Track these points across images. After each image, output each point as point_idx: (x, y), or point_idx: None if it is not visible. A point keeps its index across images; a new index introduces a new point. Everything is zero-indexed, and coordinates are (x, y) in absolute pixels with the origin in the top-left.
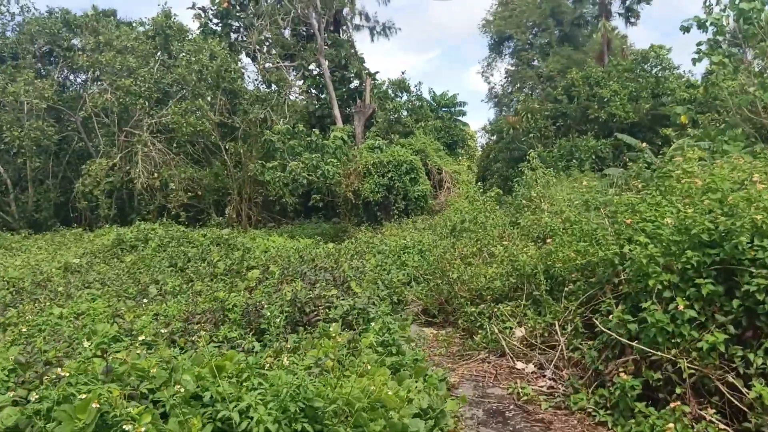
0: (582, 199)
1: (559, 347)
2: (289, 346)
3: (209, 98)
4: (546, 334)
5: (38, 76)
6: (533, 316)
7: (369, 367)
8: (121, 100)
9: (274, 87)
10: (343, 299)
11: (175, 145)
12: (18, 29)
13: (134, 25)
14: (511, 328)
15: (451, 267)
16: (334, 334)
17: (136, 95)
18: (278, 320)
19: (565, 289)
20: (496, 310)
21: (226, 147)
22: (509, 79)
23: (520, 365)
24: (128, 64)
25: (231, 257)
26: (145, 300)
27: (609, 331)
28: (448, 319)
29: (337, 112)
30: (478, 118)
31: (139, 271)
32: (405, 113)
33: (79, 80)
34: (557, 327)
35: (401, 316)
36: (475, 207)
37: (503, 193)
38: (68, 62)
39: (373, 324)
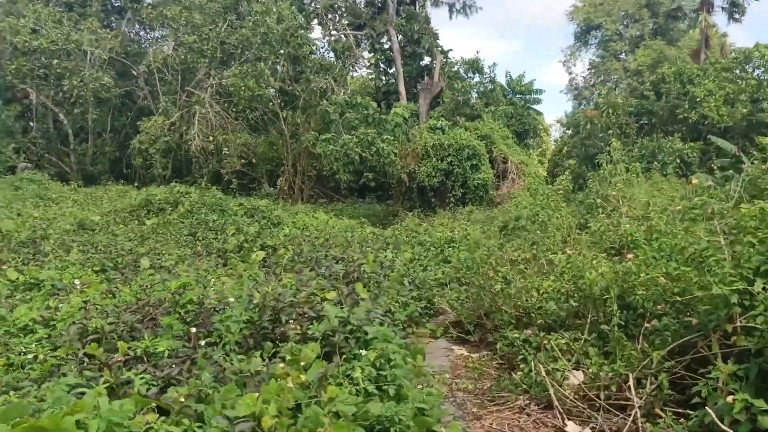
0: (687, 204)
1: (633, 412)
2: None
3: (271, 63)
4: (613, 388)
5: (104, 26)
6: (597, 359)
7: None
8: (182, 57)
9: (338, 57)
10: (341, 306)
11: (233, 109)
12: None
13: None
14: (564, 371)
15: (495, 274)
16: (286, 372)
17: (198, 53)
18: (233, 330)
19: (647, 325)
20: (546, 340)
21: (285, 116)
22: (593, 70)
23: (571, 428)
24: (194, 21)
25: (244, 232)
26: (123, 275)
27: (714, 414)
28: (486, 339)
29: (402, 88)
30: (554, 111)
31: (153, 237)
32: (474, 96)
33: (144, 35)
34: (631, 380)
35: (425, 326)
36: (538, 201)
37: (573, 190)
38: (135, 15)
39: (366, 351)
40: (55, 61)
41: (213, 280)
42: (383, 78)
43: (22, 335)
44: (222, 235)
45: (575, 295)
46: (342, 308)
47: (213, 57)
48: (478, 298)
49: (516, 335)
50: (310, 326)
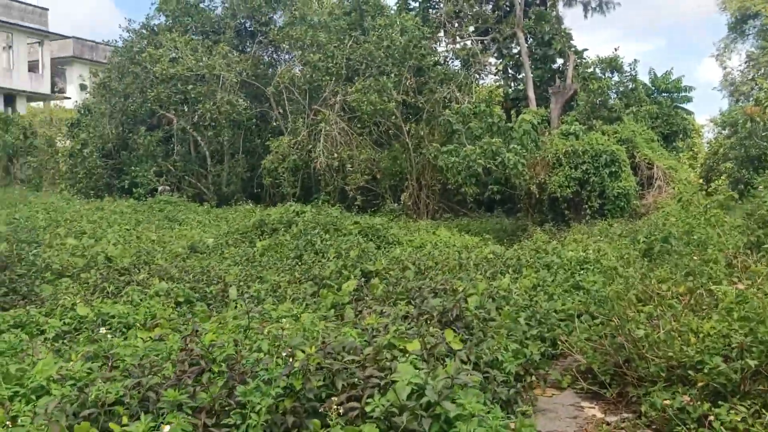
0: None
1: None
2: None
3: (393, 75)
4: None
5: (237, 50)
6: None
7: None
8: (308, 76)
9: (464, 65)
10: (421, 366)
11: (359, 125)
12: (223, 3)
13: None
14: None
15: (636, 314)
16: None
17: (323, 71)
18: (258, 409)
19: None
20: (711, 414)
21: (408, 129)
22: (751, 63)
23: None
24: (319, 40)
25: (344, 257)
26: (210, 306)
27: None
28: (626, 395)
29: (532, 93)
30: (706, 110)
31: (259, 261)
32: (613, 96)
33: (272, 56)
34: None
35: (547, 373)
36: (691, 214)
37: (735, 199)
38: (264, 37)
39: None
40: (190, 86)
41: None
42: (512, 84)
43: (34, 397)
44: (323, 258)
45: (753, 348)
46: (422, 368)
47: (338, 74)
48: (614, 343)
49: (668, 400)
50: (369, 401)
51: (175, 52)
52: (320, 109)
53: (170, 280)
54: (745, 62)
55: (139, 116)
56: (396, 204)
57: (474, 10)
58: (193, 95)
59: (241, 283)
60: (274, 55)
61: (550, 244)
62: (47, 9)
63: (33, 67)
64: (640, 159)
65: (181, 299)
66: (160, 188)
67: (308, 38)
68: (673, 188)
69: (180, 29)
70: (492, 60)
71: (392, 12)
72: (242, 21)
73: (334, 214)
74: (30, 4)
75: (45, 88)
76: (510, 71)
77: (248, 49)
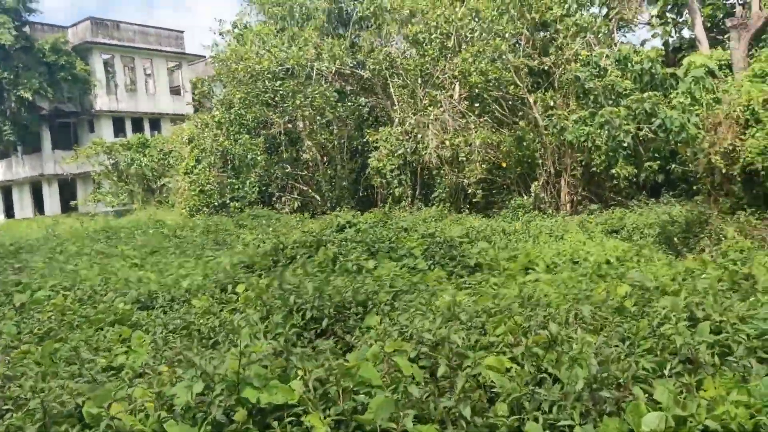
0: None
1: None
2: None
3: (507, 35)
4: None
5: (328, 35)
6: None
7: None
8: (407, 52)
9: (602, 10)
10: None
11: (477, 105)
12: None
13: None
14: None
15: None
16: None
17: (422, 44)
18: None
19: None
20: None
21: (535, 100)
22: None
23: None
24: (418, 8)
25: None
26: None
27: None
28: None
29: (701, 33)
30: None
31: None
32: None
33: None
34: None
35: None
36: None
37: None
38: (355, 16)
39: None
40: (278, 82)
41: None
42: (673, 32)
43: None
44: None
45: None
46: None
47: (443, 46)
48: None
49: None
50: None
51: (260, 46)
52: (432, 92)
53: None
54: None
55: (250, 124)
56: (525, 196)
57: None
58: (281, 92)
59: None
60: (377, 37)
61: (755, 254)
62: (183, 32)
63: (175, 90)
64: None
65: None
66: (284, 199)
67: (406, 7)
68: None
69: (270, 22)
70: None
71: None
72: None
73: (401, 223)
74: (166, 29)
75: (187, 108)
76: (669, 15)
77: (339, 31)
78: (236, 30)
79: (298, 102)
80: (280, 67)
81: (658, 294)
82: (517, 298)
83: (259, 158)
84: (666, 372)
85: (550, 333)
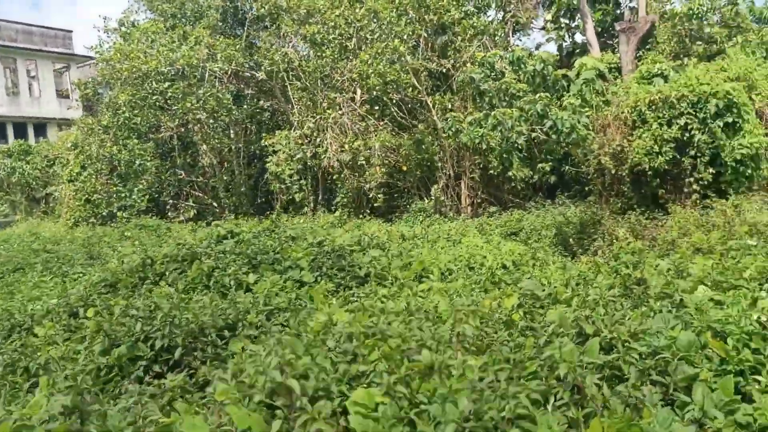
0: None
1: None
2: None
3: (406, 37)
4: None
5: (221, 34)
6: None
7: None
8: (304, 53)
9: (499, 14)
10: None
11: (378, 108)
12: None
13: None
14: None
15: None
16: None
17: (320, 45)
18: None
19: None
20: None
21: (434, 102)
22: None
23: None
24: (316, 7)
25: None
26: None
27: None
28: None
29: (592, 36)
30: None
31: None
32: (707, 26)
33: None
34: None
35: None
36: None
37: None
38: (250, 15)
39: None
40: (167, 83)
41: None
42: (566, 36)
43: None
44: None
45: None
46: None
47: (343, 47)
48: None
49: None
50: None
51: (148, 45)
52: (331, 94)
53: None
54: None
55: (140, 128)
56: (426, 200)
57: None
58: (170, 94)
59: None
60: (277, 38)
61: (646, 256)
62: (71, 31)
63: (63, 93)
64: (762, 104)
65: None
66: (179, 207)
67: (303, 7)
68: None
69: (160, 20)
70: (540, 11)
71: None
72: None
73: (293, 231)
74: (52, 28)
75: (76, 113)
76: (563, 20)
77: (238, 33)
78: (123, 28)
79: (189, 105)
80: (169, 68)
81: (550, 301)
82: (402, 313)
83: (149, 164)
84: (550, 405)
85: (425, 359)
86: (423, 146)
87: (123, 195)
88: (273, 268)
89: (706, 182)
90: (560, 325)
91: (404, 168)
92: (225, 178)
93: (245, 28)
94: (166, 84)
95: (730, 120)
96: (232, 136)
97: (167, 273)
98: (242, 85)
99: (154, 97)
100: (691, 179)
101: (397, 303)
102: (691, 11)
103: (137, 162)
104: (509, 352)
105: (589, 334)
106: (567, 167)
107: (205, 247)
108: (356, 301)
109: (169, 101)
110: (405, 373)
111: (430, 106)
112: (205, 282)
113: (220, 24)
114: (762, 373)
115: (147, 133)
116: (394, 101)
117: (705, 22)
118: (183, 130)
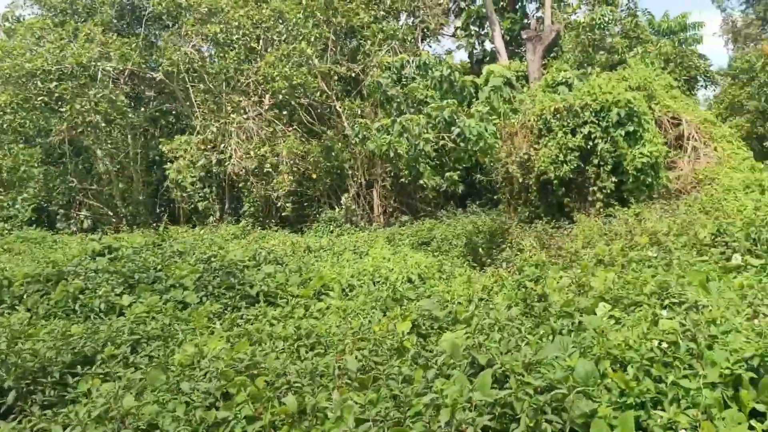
0: None
1: None
2: None
3: (313, 39)
4: None
5: (116, 32)
6: None
7: None
8: (206, 54)
9: (409, 19)
10: None
11: (285, 113)
12: None
13: None
14: None
15: None
16: None
17: (223, 46)
18: None
19: None
20: None
21: (343, 108)
22: (755, 3)
23: None
24: (218, 6)
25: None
26: None
27: None
28: None
29: (500, 44)
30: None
31: None
32: (609, 37)
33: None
34: None
35: None
36: None
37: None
38: (148, 14)
39: None
40: (54, 84)
41: None
42: (476, 43)
43: None
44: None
45: None
46: None
47: (248, 49)
48: None
49: None
50: None
51: (34, 41)
52: (235, 98)
53: None
54: (746, 2)
55: (28, 132)
56: (336, 209)
57: None
58: (57, 94)
59: None
60: (178, 37)
61: (549, 269)
62: None
63: None
64: (661, 113)
65: None
66: (71, 217)
67: (203, 5)
68: (716, 151)
69: (49, 15)
70: (451, 18)
71: None
72: None
73: (178, 243)
74: None
75: None
76: (473, 28)
77: (137, 31)
78: (6, 23)
79: (79, 106)
80: (57, 66)
81: (450, 321)
82: (290, 338)
83: (35, 171)
84: None
85: (297, 402)
86: (333, 153)
87: (5, 204)
88: (152, 287)
89: (608, 190)
90: (452, 356)
91: (314, 175)
92: (121, 185)
93: (143, 27)
94: (53, 84)
95: (631, 129)
96: (129, 140)
97: (26, 296)
98: (142, 87)
99: (40, 98)
100: (595, 188)
101: (286, 326)
102: (594, 21)
103: (22, 168)
104: (396, 386)
105: (483, 365)
106: (478, 175)
107: (75, 265)
108: (242, 325)
109: (58, 103)
110: (271, 420)
111: (340, 111)
112: (70, 306)
113: (116, 22)
114: (663, 405)
115: (35, 137)
116: (303, 106)
117: (607, 33)
118: (75, 133)
